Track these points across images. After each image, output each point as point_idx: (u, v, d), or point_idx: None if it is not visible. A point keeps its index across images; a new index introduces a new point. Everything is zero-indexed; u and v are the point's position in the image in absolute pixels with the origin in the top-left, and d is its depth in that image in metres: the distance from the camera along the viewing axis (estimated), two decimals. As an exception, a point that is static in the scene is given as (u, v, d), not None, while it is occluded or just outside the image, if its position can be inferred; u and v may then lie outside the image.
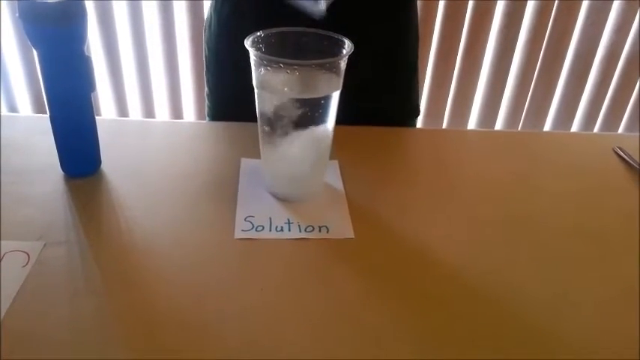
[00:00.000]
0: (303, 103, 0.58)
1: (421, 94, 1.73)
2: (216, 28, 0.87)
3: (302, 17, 0.66)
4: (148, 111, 1.74)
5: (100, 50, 1.61)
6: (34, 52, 0.59)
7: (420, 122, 1.77)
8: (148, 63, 1.67)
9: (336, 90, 0.58)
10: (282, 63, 0.55)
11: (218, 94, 0.94)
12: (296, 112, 0.58)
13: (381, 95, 0.90)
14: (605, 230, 0.63)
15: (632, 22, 1.68)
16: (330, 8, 0.68)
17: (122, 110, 1.73)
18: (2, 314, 0.47)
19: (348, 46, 0.58)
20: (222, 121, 0.91)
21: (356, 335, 0.47)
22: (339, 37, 0.59)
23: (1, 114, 0.79)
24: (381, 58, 0.87)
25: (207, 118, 0.98)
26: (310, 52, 0.60)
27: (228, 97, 0.91)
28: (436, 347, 0.47)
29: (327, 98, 0.58)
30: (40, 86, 1.67)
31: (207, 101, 0.97)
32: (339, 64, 0.57)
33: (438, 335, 0.48)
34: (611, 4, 1.65)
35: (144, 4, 1.57)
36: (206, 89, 0.96)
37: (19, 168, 0.67)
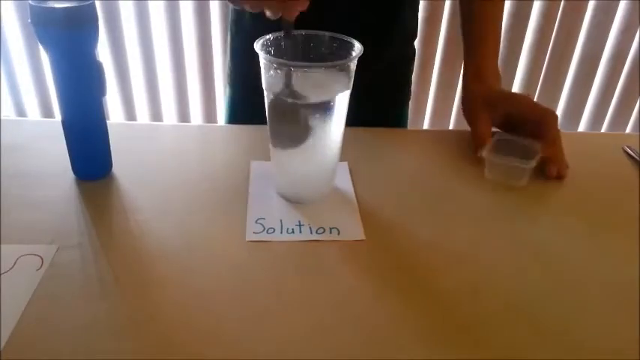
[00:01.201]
0: (313, 105, 0.58)
1: (428, 94, 1.74)
2: (239, 32, 0.90)
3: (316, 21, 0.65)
4: (156, 115, 1.75)
5: (108, 54, 1.62)
6: (43, 58, 0.59)
7: (426, 123, 1.79)
8: (155, 67, 1.68)
9: (346, 92, 0.58)
10: (292, 66, 0.56)
11: (241, 81, 0.95)
12: (306, 114, 0.58)
13: (384, 93, 0.95)
14: (615, 229, 0.63)
15: (639, 22, 1.67)
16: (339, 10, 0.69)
17: (130, 114, 1.74)
18: (17, 317, 0.47)
19: (357, 48, 0.58)
20: (243, 103, 0.94)
21: (368, 336, 0.47)
22: (349, 39, 0.59)
23: (11, 118, 0.79)
24: (387, 58, 0.89)
25: (225, 98, 0.98)
26: (320, 54, 0.60)
27: (250, 85, 0.91)
28: (449, 348, 0.47)
29: (337, 100, 0.58)
30: (47, 90, 1.68)
31: (226, 83, 0.97)
32: (348, 65, 0.57)
33: (451, 336, 0.48)
34: (618, 4, 1.65)
35: (151, 8, 1.58)
36: (228, 67, 0.96)
37: (31, 172, 0.67)
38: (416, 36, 0.96)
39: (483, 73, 0.80)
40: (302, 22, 0.59)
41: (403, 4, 0.87)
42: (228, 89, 0.98)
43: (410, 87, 1.01)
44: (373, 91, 0.90)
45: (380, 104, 0.94)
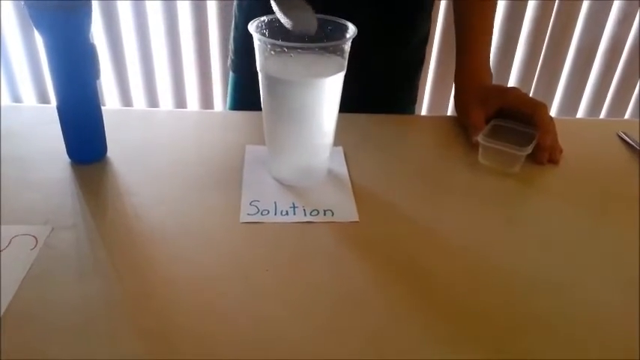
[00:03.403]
0: (307, 87, 0.58)
1: (425, 83, 1.74)
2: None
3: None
4: (152, 101, 1.75)
5: (104, 40, 1.61)
6: (38, 44, 0.59)
7: (424, 112, 1.79)
8: (151, 54, 1.67)
9: (340, 73, 0.58)
10: (286, 47, 0.56)
11: (244, 54, 0.94)
12: (300, 96, 0.58)
13: (388, 90, 0.95)
14: (609, 214, 0.64)
15: (637, 12, 1.67)
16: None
17: (126, 101, 1.73)
18: (10, 296, 0.47)
19: (351, 30, 0.58)
20: (247, 77, 0.90)
21: (361, 317, 0.48)
22: (343, 22, 0.59)
23: (8, 104, 0.79)
24: (392, 57, 0.91)
25: (230, 71, 0.98)
26: (314, 37, 0.60)
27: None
28: (442, 327, 0.47)
29: (330, 82, 0.58)
30: (43, 78, 1.67)
31: (231, 54, 0.97)
32: (342, 47, 0.57)
33: (444, 315, 0.48)
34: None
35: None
36: (231, 43, 0.96)
37: (26, 155, 0.67)
38: (427, 41, 0.97)
39: (476, 75, 0.82)
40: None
41: (418, 8, 0.89)
42: (231, 75, 0.98)
43: (417, 90, 1.02)
44: (381, 91, 0.93)
45: (387, 104, 0.94)
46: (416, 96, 1.03)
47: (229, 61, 0.98)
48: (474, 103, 0.77)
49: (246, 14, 0.90)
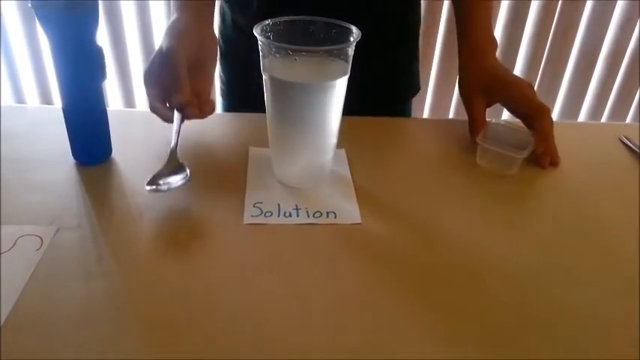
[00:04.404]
0: (310, 89, 0.58)
1: (427, 86, 1.74)
2: (230, 22, 0.90)
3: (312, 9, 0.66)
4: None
5: (107, 42, 1.61)
6: (42, 44, 0.59)
7: (426, 114, 1.79)
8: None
9: (344, 76, 0.59)
10: (290, 50, 0.56)
11: (234, 83, 0.96)
12: (304, 99, 0.58)
13: (391, 87, 0.96)
14: (608, 217, 0.64)
15: (639, 16, 1.67)
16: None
17: (129, 103, 1.74)
18: (16, 296, 0.48)
19: (355, 34, 0.59)
20: (238, 105, 0.95)
21: (363, 317, 0.48)
22: (347, 25, 0.60)
23: (11, 105, 0.80)
24: (388, 48, 0.90)
25: (220, 100, 1.00)
26: (318, 40, 0.61)
27: (245, 84, 0.91)
28: (442, 327, 0.48)
29: (334, 85, 0.58)
30: (46, 79, 1.68)
31: (221, 84, 0.98)
32: (346, 50, 0.58)
33: (445, 319, 0.49)
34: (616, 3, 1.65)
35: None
36: (221, 74, 0.97)
37: (31, 156, 0.68)
38: (418, 35, 0.97)
39: (479, 48, 0.79)
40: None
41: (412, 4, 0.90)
42: (222, 102, 0.99)
43: (416, 81, 1.01)
44: (379, 86, 0.93)
45: (386, 98, 0.95)
46: (414, 89, 1.01)
47: (220, 90, 0.99)
48: (476, 91, 0.77)
49: (234, 47, 0.91)
